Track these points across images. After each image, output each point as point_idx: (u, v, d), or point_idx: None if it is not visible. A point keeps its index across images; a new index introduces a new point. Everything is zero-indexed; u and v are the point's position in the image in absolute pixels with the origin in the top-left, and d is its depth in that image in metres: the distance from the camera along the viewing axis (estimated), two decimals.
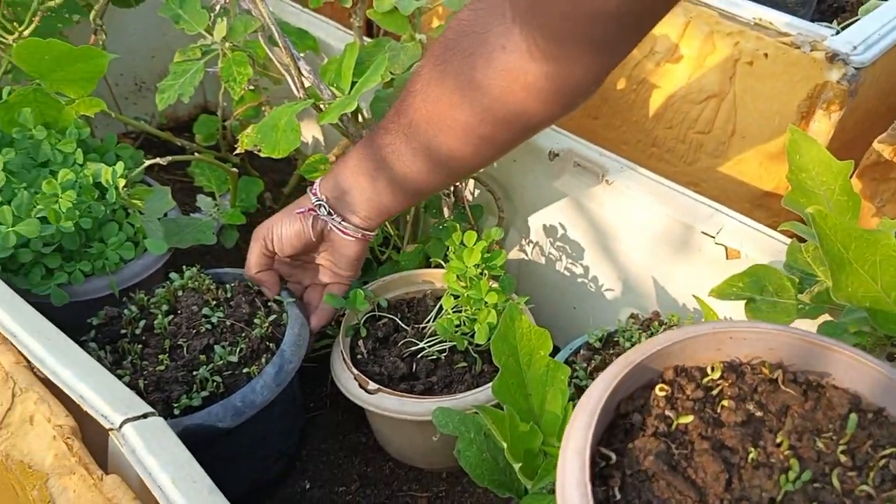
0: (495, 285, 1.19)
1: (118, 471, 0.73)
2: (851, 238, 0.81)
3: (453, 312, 1.18)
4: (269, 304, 1.13)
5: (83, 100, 1.21)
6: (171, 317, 1.08)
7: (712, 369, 0.60)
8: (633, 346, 1.13)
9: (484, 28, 0.82)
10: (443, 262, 1.30)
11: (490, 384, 0.94)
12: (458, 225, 1.26)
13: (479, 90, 0.84)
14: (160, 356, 1.02)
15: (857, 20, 1.50)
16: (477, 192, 1.41)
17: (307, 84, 1.26)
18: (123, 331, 1.07)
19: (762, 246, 1.10)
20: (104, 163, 1.21)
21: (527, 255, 1.41)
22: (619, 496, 0.52)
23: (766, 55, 1.36)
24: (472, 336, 1.17)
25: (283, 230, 1.05)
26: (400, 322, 1.23)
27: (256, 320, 1.07)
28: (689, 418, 0.56)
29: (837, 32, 1.37)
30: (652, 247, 1.20)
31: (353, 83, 1.26)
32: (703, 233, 1.13)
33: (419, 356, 1.18)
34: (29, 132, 1.18)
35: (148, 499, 0.69)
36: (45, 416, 0.76)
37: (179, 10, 1.25)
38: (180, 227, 1.29)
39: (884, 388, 0.57)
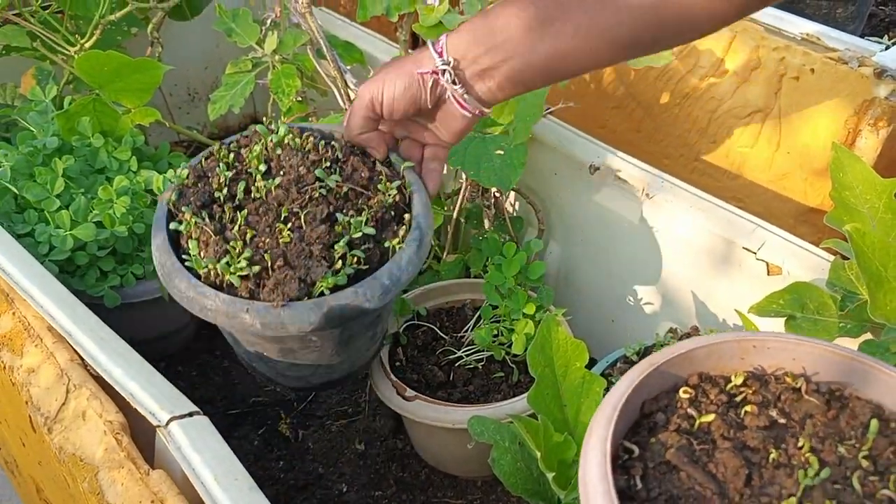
0: (533, 296, 1.20)
1: (164, 466, 0.76)
2: (890, 256, 0.81)
3: (491, 323, 1.20)
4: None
5: (139, 109, 1.26)
6: (271, 179, 0.86)
7: (736, 376, 0.60)
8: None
9: None
10: (482, 273, 1.32)
11: (526, 394, 0.96)
12: (497, 236, 1.27)
13: None
14: (278, 225, 0.82)
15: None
16: (517, 204, 1.43)
17: (353, 96, 1.29)
18: (217, 194, 0.85)
19: (804, 263, 1.10)
20: (157, 170, 1.25)
21: (566, 266, 1.42)
22: (640, 485, 0.53)
23: (812, 70, 1.36)
24: (510, 346, 1.18)
25: (395, 92, 0.88)
26: (439, 331, 1.25)
27: (380, 186, 0.88)
28: (710, 417, 0.57)
29: (887, 48, 1.36)
30: (692, 261, 1.20)
31: None
32: (744, 248, 1.13)
33: (457, 365, 1.20)
34: (87, 140, 1.23)
35: (192, 494, 0.72)
36: (96, 412, 0.80)
37: (232, 23, 1.29)
38: None
39: None
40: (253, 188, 0.85)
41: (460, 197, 1.39)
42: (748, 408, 0.57)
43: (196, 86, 1.86)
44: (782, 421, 0.56)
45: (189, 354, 1.47)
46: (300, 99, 1.44)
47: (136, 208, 1.17)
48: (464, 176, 1.39)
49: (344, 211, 0.85)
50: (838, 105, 1.33)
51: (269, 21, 1.27)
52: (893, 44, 1.42)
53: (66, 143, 1.23)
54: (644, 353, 1.16)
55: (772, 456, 0.54)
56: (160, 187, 1.19)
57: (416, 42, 1.59)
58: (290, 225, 0.82)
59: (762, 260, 1.12)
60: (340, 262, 0.80)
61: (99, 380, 0.84)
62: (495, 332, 1.19)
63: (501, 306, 1.18)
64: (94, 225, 1.13)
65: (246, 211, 0.82)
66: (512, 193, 1.40)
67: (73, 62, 1.25)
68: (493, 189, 1.37)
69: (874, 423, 0.55)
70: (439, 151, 0.95)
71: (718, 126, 1.50)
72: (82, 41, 1.30)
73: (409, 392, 1.11)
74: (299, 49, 1.35)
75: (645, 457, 0.55)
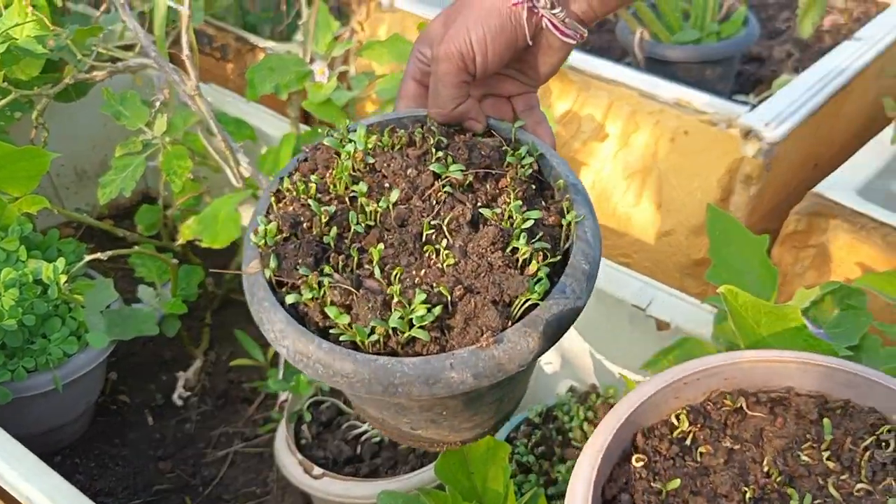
0: None
1: None
2: (762, 314, 0.86)
3: None
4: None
5: (26, 197, 1.23)
6: (383, 197, 0.66)
7: (678, 419, 0.59)
8: (570, 419, 1.17)
9: None
10: None
11: (432, 465, 0.97)
12: None
13: None
14: (426, 249, 0.63)
15: (770, 94, 1.60)
16: None
17: (246, 174, 1.29)
18: (326, 239, 0.64)
19: (690, 317, 1.15)
20: (46, 258, 1.22)
21: None
22: None
23: (686, 133, 1.44)
24: None
25: (488, 37, 0.70)
26: (342, 405, 1.25)
27: (509, 159, 0.70)
28: (675, 483, 0.55)
29: (752, 108, 1.45)
30: (587, 321, 1.24)
31: None
32: (633, 305, 1.18)
33: (363, 439, 1.20)
34: None
35: None
36: None
37: (120, 106, 1.28)
38: (123, 319, 1.30)
39: (840, 382, 0.60)
40: (361, 216, 0.64)
41: None
42: (702, 448, 0.57)
43: (84, 166, 1.82)
44: (737, 447, 0.57)
45: (85, 445, 1.41)
46: (192, 178, 1.44)
47: (26, 299, 1.14)
48: None
49: (487, 203, 0.67)
50: (712, 164, 1.42)
51: (157, 103, 1.27)
52: (759, 103, 1.53)
53: None
54: (546, 413, 1.19)
55: (747, 496, 0.53)
56: (50, 276, 1.16)
57: (307, 119, 1.61)
58: (442, 244, 0.62)
59: (651, 316, 1.16)
60: (534, 262, 0.61)
61: None
62: None
63: None
64: None
65: (381, 246, 0.62)
66: None
67: None
68: None
69: (826, 422, 0.57)
70: (531, 99, 0.78)
71: (602, 187, 1.57)
72: None
73: (317, 470, 1.10)
74: (189, 128, 1.35)
75: None
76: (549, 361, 1.34)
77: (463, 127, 0.73)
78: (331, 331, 0.59)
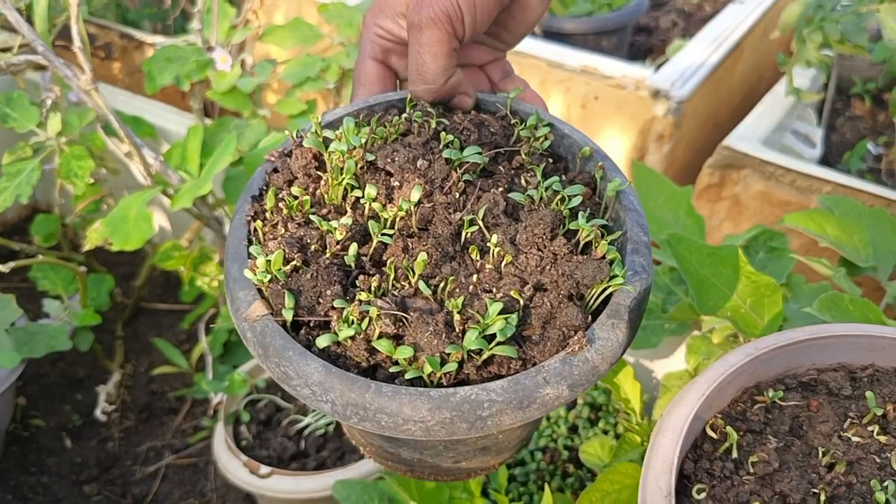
0: None
1: None
2: (705, 257, 0.88)
3: None
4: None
5: None
6: (401, 198, 0.55)
7: (717, 431, 0.54)
8: None
9: None
10: None
11: None
12: None
13: None
14: (469, 250, 0.53)
15: (666, 59, 1.63)
16: None
17: (153, 171, 1.22)
18: (347, 260, 0.52)
19: None
20: None
21: None
22: None
23: (596, 98, 1.45)
24: None
25: None
26: (280, 401, 1.20)
27: (523, 133, 0.62)
28: None
29: (657, 70, 1.48)
30: None
31: (202, 165, 1.24)
32: None
33: (306, 433, 1.15)
34: None
35: None
36: None
37: (7, 108, 1.18)
38: (31, 336, 1.21)
39: (862, 347, 0.57)
40: (377, 226, 0.53)
41: None
42: (753, 458, 0.52)
43: None
44: (782, 445, 0.53)
45: (1, 477, 1.31)
46: (92, 181, 1.35)
47: None
48: None
49: (508, 186, 0.58)
50: (625, 126, 1.44)
51: (49, 102, 1.18)
52: (660, 66, 1.56)
53: None
54: None
55: (822, 499, 0.49)
56: None
57: (211, 110, 1.54)
58: (492, 239, 0.52)
59: None
60: (601, 243, 0.52)
61: None
62: None
63: None
64: None
65: (424, 255, 0.51)
66: None
67: None
68: None
69: (870, 395, 0.53)
70: (504, 65, 0.70)
71: None
72: None
73: (264, 469, 1.05)
74: (85, 128, 1.27)
75: None
76: None
77: (450, 105, 0.63)
78: (376, 372, 0.48)
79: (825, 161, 1.73)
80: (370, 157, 0.56)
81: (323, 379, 0.46)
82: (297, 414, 1.18)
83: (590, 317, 0.50)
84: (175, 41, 1.51)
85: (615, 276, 0.50)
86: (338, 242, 0.52)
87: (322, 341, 0.47)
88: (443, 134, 0.58)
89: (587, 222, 0.52)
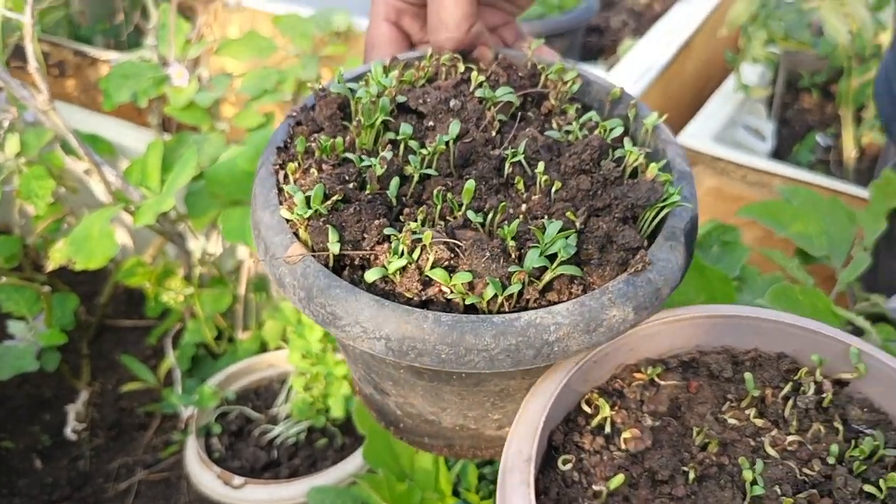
0: (342, 357, 1.20)
1: None
2: None
3: (305, 391, 1.18)
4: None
5: None
6: (439, 134, 0.54)
7: (591, 405, 0.52)
8: None
9: None
10: (283, 343, 1.30)
11: (354, 455, 0.95)
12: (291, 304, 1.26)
13: None
14: (516, 181, 0.51)
15: (619, 59, 1.67)
16: None
17: (114, 188, 1.22)
18: (387, 194, 0.52)
19: None
20: None
21: None
22: None
23: None
24: (329, 412, 1.17)
25: None
26: (251, 411, 1.21)
27: (552, 76, 0.61)
28: (619, 479, 0.47)
29: (608, 70, 1.52)
30: None
31: (163, 181, 1.24)
32: None
33: (278, 442, 1.16)
34: None
35: None
36: None
37: None
38: None
39: (746, 331, 0.56)
40: (417, 160, 0.52)
41: (244, 273, 1.36)
42: (626, 434, 0.50)
43: None
44: (658, 424, 0.51)
45: None
46: (52, 200, 1.35)
47: None
48: (247, 251, 1.36)
49: (541, 128, 0.57)
50: None
51: (6, 123, 1.18)
52: (609, 69, 1.60)
53: None
54: None
55: (691, 477, 0.48)
56: None
57: (169, 125, 1.54)
58: (539, 167, 0.51)
59: None
60: (651, 167, 0.52)
61: None
62: (311, 400, 1.17)
63: (311, 373, 1.17)
64: None
65: (472, 183, 0.49)
66: None
67: None
68: None
69: (749, 377, 0.53)
70: (516, 28, 0.71)
71: None
72: None
73: (237, 479, 1.06)
74: (43, 148, 1.27)
75: None
76: None
77: (474, 56, 0.63)
78: (433, 302, 0.46)
79: (777, 154, 1.78)
80: (401, 99, 0.55)
81: (375, 314, 0.44)
82: (267, 424, 1.19)
83: (646, 242, 0.49)
84: (130, 57, 1.51)
85: (670, 197, 0.49)
86: (378, 179, 0.50)
87: (371, 275, 0.45)
88: (474, 74, 0.57)
89: (635, 152, 0.51)
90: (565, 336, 0.45)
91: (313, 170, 0.51)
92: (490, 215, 0.48)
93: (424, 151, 0.51)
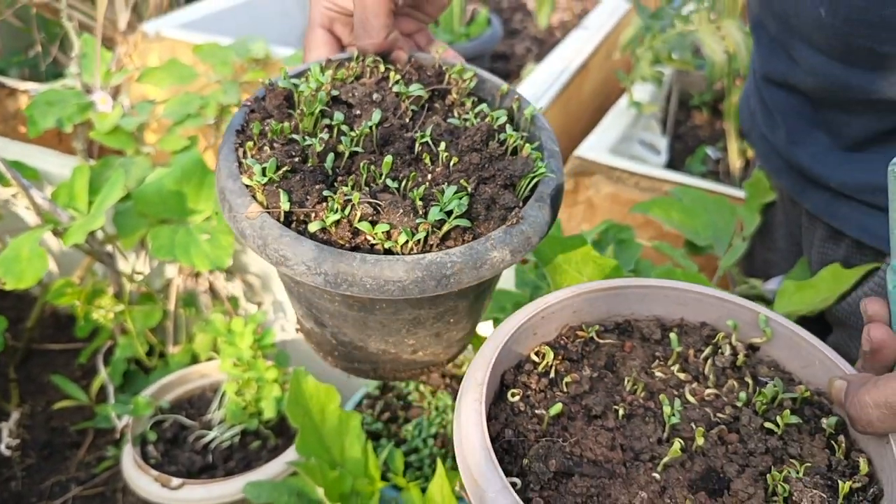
0: (271, 363, 1.26)
1: None
2: (557, 245, 1.01)
3: (237, 396, 1.24)
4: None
5: None
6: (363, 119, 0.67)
7: (539, 355, 0.62)
8: (406, 384, 1.26)
9: None
10: (215, 354, 1.35)
11: (286, 452, 1.02)
12: (221, 316, 1.32)
13: None
14: (423, 156, 0.65)
15: (522, 78, 1.79)
16: (230, 284, 1.48)
17: (42, 211, 1.26)
18: (324, 166, 0.64)
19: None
20: None
21: (288, 333, 1.49)
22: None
23: None
24: (261, 415, 1.23)
25: None
26: (185, 419, 1.26)
27: (453, 75, 0.74)
28: (558, 408, 0.57)
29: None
30: None
31: (91, 202, 1.29)
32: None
33: (213, 446, 1.22)
34: None
35: None
36: None
37: None
38: None
39: (674, 301, 0.66)
40: (347, 140, 0.65)
41: (173, 289, 1.41)
42: (568, 379, 0.59)
43: None
44: (597, 374, 0.61)
45: None
46: None
47: None
48: (175, 268, 1.42)
49: (445, 116, 0.70)
50: None
51: None
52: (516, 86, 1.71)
53: None
54: (384, 386, 1.27)
55: (620, 413, 0.57)
56: None
57: (91, 151, 1.58)
58: (441, 146, 0.64)
59: None
60: (526, 146, 0.65)
61: None
62: (244, 404, 1.23)
63: (243, 379, 1.23)
64: None
65: (389, 158, 0.63)
66: (221, 275, 1.45)
67: None
68: (206, 274, 1.41)
69: (673, 336, 0.63)
70: (428, 34, 0.83)
71: None
72: None
73: (175, 481, 1.11)
74: None
75: (528, 484, 0.53)
76: None
77: (391, 59, 0.75)
78: (360, 248, 0.59)
79: (671, 166, 1.92)
80: (335, 93, 0.69)
81: (316, 255, 0.56)
82: (202, 430, 1.24)
83: (521, 203, 0.62)
84: (52, 86, 1.56)
85: (541, 170, 0.63)
86: (318, 154, 0.63)
87: (313, 227, 0.58)
88: (391, 73, 0.71)
89: (515, 135, 0.65)
90: (459, 271, 0.57)
91: (266, 148, 0.63)
92: (403, 182, 0.61)
93: (353, 134, 0.64)
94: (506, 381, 0.61)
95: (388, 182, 0.61)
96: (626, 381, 0.60)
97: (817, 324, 1.03)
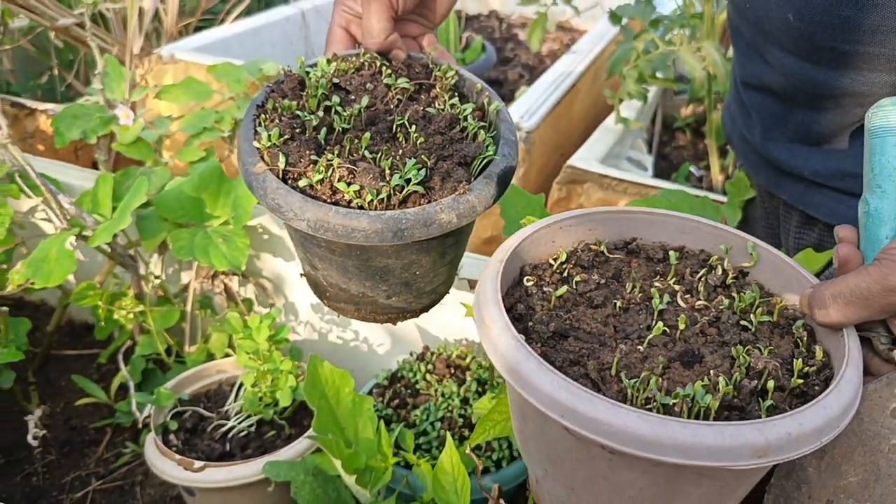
0: (286, 357, 1.34)
1: None
2: (517, 198, 1.13)
3: (253, 387, 1.31)
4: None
5: None
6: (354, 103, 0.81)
7: (555, 260, 0.73)
8: (414, 374, 1.34)
9: None
10: (231, 351, 1.43)
11: (302, 439, 1.10)
12: (237, 315, 1.39)
13: None
14: (398, 135, 0.78)
15: (515, 100, 1.89)
16: (244, 288, 1.56)
17: (69, 216, 1.35)
18: (318, 137, 0.78)
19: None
20: None
21: (300, 334, 1.57)
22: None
23: None
24: (276, 405, 1.30)
25: None
26: (204, 411, 1.33)
27: (437, 73, 0.86)
28: (563, 289, 0.68)
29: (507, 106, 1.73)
30: None
31: (114, 208, 1.38)
32: None
33: (230, 436, 1.29)
34: None
35: None
36: None
37: None
38: None
39: (676, 229, 0.76)
40: (340, 120, 0.78)
41: (191, 291, 1.49)
42: (577, 278, 0.71)
43: None
44: (604, 281, 0.71)
45: None
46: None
47: None
48: (192, 273, 1.50)
49: (428, 105, 0.83)
50: None
51: None
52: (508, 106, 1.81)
53: None
54: (392, 376, 1.35)
55: (618, 305, 0.68)
56: None
57: (109, 163, 1.67)
58: (412, 128, 0.77)
59: (464, 278, 1.37)
60: (481, 133, 0.78)
61: None
62: (260, 395, 1.30)
63: (259, 371, 1.30)
64: None
65: (367, 135, 0.76)
66: (236, 278, 1.53)
67: None
68: (221, 277, 1.49)
69: (672, 253, 0.73)
70: (431, 37, 0.95)
71: None
72: None
73: (198, 463, 1.18)
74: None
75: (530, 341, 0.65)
76: (382, 343, 1.50)
77: (390, 56, 0.88)
78: (338, 203, 0.72)
79: None
80: (336, 81, 0.84)
81: (302, 205, 0.69)
82: (221, 420, 1.31)
83: (473, 178, 0.75)
84: (62, 107, 1.65)
85: (490, 153, 0.76)
86: (314, 128, 0.76)
87: (301, 183, 0.72)
88: (384, 68, 0.85)
89: (474, 123, 0.79)
90: (411, 226, 0.70)
91: (276, 119, 0.78)
92: (379, 155, 0.75)
93: (345, 114, 0.78)
94: (524, 272, 0.72)
95: (367, 153, 0.75)
96: (627, 286, 0.71)
97: None
